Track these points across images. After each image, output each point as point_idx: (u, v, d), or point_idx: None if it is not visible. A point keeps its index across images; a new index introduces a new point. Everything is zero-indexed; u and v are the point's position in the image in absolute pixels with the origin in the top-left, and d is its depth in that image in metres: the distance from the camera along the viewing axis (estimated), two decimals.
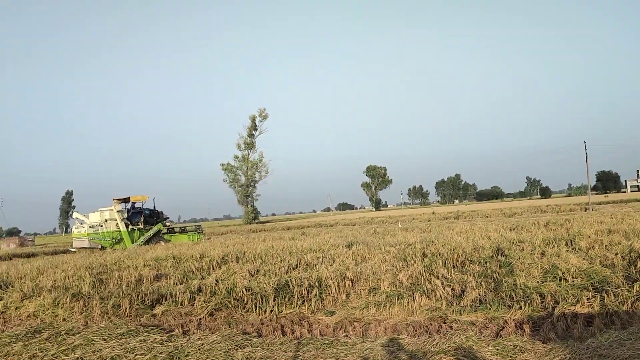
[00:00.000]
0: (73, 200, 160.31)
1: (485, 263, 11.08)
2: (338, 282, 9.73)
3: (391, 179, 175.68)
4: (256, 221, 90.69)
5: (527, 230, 18.87)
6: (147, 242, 30.39)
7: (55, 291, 11.45)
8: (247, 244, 21.34)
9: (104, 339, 7.19)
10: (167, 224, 33.74)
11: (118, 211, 31.08)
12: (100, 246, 30.49)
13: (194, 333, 7.82)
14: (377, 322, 8.04)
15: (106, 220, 30.83)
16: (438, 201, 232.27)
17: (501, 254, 12.08)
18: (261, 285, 9.51)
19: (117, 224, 30.66)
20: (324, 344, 6.45)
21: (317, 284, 9.58)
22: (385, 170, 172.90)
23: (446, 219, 47.94)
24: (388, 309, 8.46)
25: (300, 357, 6.00)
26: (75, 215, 34.28)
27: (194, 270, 14.54)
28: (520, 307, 7.92)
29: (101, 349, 6.84)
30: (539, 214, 44.53)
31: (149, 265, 15.79)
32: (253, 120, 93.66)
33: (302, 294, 9.19)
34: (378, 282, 9.77)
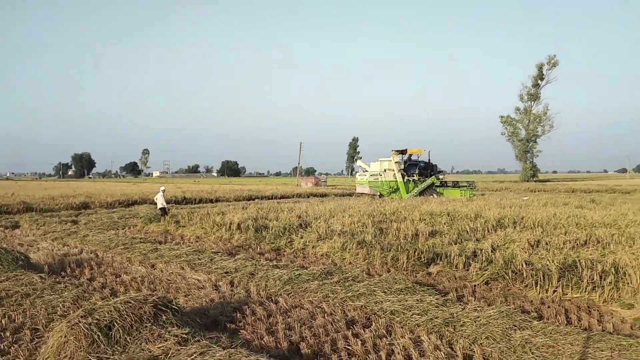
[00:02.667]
0: (358, 146, 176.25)
1: None
2: None
3: None
4: (535, 179, 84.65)
5: None
6: (421, 193, 31.42)
7: (343, 236, 12.87)
8: (525, 207, 20.13)
9: (384, 292, 7.76)
10: (441, 177, 34.09)
11: (396, 162, 32.75)
12: (379, 193, 32.87)
13: (468, 301, 7.81)
14: None
15: (385, 170, 32.89)
16: None
17: None
18: (543, 262, 8.85)
19: (395, 174, 32.41)
20: (621, 344, 5.66)
21: (612, 269, 8.41)
22: None
23: None
24: None
25: (589, 355, 5.40)
26: (358, 163, 37.51)
27: (468, 230, 14.46)
28: None
29: (382, 301, 7.42)
30: None
31: (424, 220, 16.32)
32: (540, 68, 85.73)
33: (592, 279, 8.21)
34: None
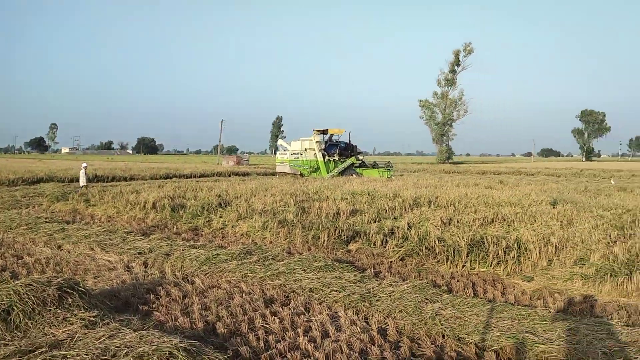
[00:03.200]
0: (282, 125, 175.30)
1: None
2: (540, 247, 9.00)
3: (610, 127, 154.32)
4: (449, 161, 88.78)
5: None
6: (341, 173, 31.85)
7: (265, 215, 12.81)
8: (439, 188, 21.02)
9: (304, 270, 7.83)
10: (361, 158, 34.71)
11: (317, 142, 32.91)
12: (299, 173, 33.00)
13: (385, 277, 8.06)
14: (583, 298, 7.30)
15: (306, 150, 32.99)
16: None
17: None
18: (454, 238, 9.30)
19: (315, 153, 32.60)
20: (520, 314, 6.08)
21: (515, 245, 9.01)
22: (604, 116, 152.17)
23: None
24: (597, 285, 7.57)
25: (492, 325, 5.76)
26: (279, 142, 37.44)
27: (387, 209, 14.87)
28: None
29: (301, 279, 7.48)
30: None
31: (346, 199, 16.59)
32: (457, 55, 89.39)
33: (497, 254, 8.75)
34: (587, 253, 8.78)
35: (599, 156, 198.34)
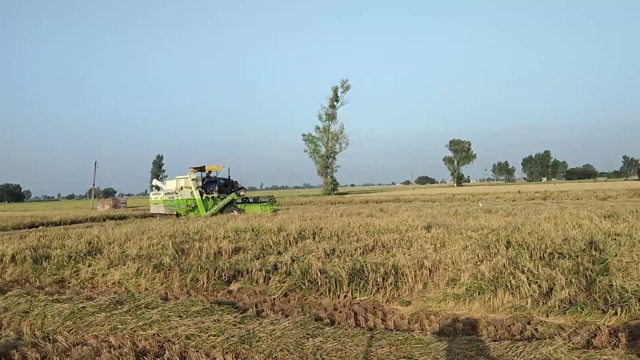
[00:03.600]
0: (163, 164, 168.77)
1: (577, 257, 10.24)
2: (415, 271, 9.36)
3: (475, 154, 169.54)
4: (335, 192, 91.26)
5: (625, 219, 17.30)
6: (221, 210, 31.08)
7: (139, 260, 12.02)
8: (324, 219, 21.34)
9: (180, 316, 7.36)
10: (242, 193, 34.02)
11: (192, 179, 31.79)
12: (175, 213, 31.74)
13: (267, 315, 7.85)
14: (455, 318, 7.64)
15: (181, 188, 31.66)
16: (525, 179, 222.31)
17: (595, 247, 11.13)
18: (335, 269, 9.35)
19: (192, 191, 31.48)
20: (398, 339, 6.17)
21: (392, 271, 9.27)
22: (470, 144, 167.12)
23: (533, 199, 45.48)
24: (467, 303, 7.99)
25: (372, 353, 5.78)
26: (153, 182, 35.72)
27: (271, 244, 14.71)
28: (616, 313, 7.18)
29: (177, 327, 7.00)
30: (636, 198, 41.08)
31: (229, 237, 16.18)
32: (335, 91, 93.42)
33: (376, 281, 8.93)
34: (458, 273, 9.29)
35: (469, 181, 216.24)
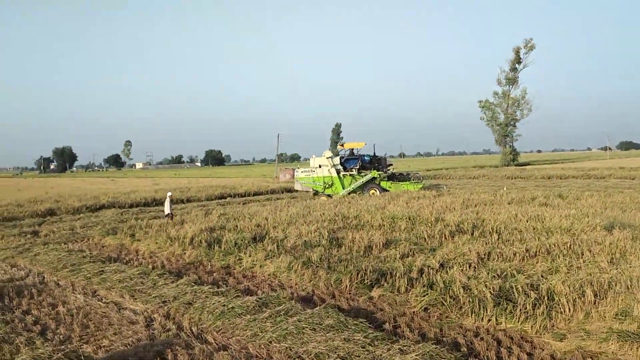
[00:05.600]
0: (341, 132, 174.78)
1: None
2: (576, 297, 8.21)
3: None
4: (514, 163, 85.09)
5: None
6: (361, 188, 30.73)
7: (295, 251, 12.65)
8: (490, 206, 20.01)
9: (314, 329, 7.55)
10: (389, 170, 33.00)
11: (327, 157, 31.91)
12: (313, 190, 32.37)
13: (402, 334, 7.70)
14: None
15: (319, 166, 31.93)
16: None
17: None
18: (480, 288, 8.65)
19: (329, 169, 31.57)
20: None
21: (546, 295, 8.28)
22: None
23: None
24: (636, 348, 6.76)
25: None
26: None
27: (425, 237, 14.32)
28: None
29: (308, 342, 7.20)
30: None
31: (384, 226, 16.15)
32: (517, 52, 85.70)
33: (526, 308, 8.04)
34: (631, 304, 7.93)
35: None
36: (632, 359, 6.67)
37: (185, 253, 14.30)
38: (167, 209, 21.30)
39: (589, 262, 10.50)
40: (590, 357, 6.82)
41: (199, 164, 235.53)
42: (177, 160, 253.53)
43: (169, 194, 23.13)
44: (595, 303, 8.21)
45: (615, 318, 7.70)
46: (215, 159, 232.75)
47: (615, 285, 8.74)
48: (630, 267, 9.86)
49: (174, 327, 8.41)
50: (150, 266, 12.88)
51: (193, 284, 10.58)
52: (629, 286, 8.67)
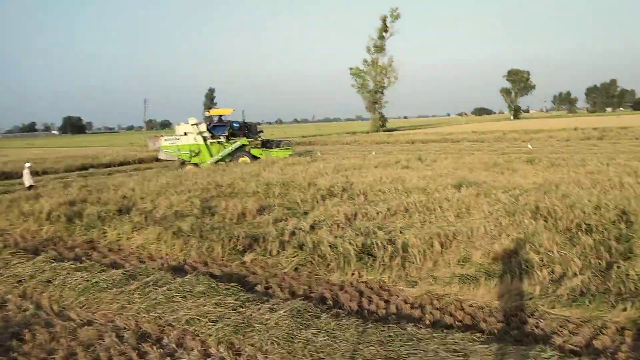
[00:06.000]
0: (215, 97, 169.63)
1: (603, 232, 9.72)
2: (426, 249, 9.17)
3: (534, 85, 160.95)
4: (383, 128, 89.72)
5: None
6: (230, 156, 30.11)
7: (165, 221, 12.40)
8: (359, 170, 21.18)
9: (184, 297, 7.58)
10: (261, 137, 32.60)
11: (193, 124, 30.35)
12: (179, 159, 30.67)
13: (273, 294, 8.04)
14: (458, 304, 7.52)
15: (185, 133, 30.32)
16: (587, 109, 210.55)
17: (626, 219, 10.52)
18: (345, 245, 9.27)
19: (195, 137, 30.21)
20: (389, 336, 6.16)
21: (401, 249, 9.13)
22: (528, 74, 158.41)
23: (588, 139, 43.12)
24: (472, 288, 7.80)
25: (359, 352, 5.80)
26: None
27: (299, 202, 14.81)
28: (625, 309, 6.80)
29: (179, 309, 7.25)
30: None
31: (258, 192, 16.38)
32: (384, 20, 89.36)
33: (384, 261, 8.82)
34: (470, 251, 9.07)
35: (528, 111, 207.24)
36: (469, 297, 7.69)
37: (42, 229, 13.30)
38: (27, 181, 20.02)
39: (439, 217, 11.68)
40: (437, 299, 7.74)
41: (56, 132, 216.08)
42: (30, 128, 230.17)
43: (28, 164, 21.48)
44: (441, 252, 9.23)
45: (457, 264, 8.76)
46: (74, 126, 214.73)
47: (459, 236, 9.88)
48: (472, 219, 11.17)
49: (31, 306, 7.92)
50: (1, 244, 11.86)
51: (52, 260, 9.95)
52: (469, 236, 9.86)
